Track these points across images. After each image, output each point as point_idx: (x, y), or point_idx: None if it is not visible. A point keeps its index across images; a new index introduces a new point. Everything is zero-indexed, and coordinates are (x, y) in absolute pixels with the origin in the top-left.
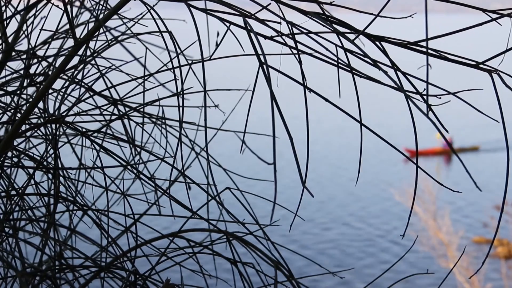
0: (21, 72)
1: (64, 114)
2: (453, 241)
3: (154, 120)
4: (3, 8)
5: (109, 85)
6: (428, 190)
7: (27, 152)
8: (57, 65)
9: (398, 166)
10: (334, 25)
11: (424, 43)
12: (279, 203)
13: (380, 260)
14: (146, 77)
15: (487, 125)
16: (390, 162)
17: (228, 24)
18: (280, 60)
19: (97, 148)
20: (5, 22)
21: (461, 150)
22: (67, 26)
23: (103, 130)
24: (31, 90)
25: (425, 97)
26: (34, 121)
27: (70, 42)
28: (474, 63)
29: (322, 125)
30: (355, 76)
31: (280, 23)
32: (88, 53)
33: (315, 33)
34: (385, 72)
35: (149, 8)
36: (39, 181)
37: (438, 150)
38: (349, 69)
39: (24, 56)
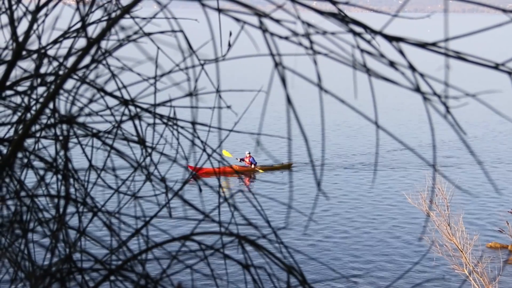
0: (32, 72)
1: (75, 114)
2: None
3: (165, 121)
4: (14, 7)
5: (121, 85)
6: (443, 194)
7: (37, 153)
8: (68, 65)
9: None
10: (350, 25)
11: (441, 44)
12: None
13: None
14: (158, 78)
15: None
16: None
17: (242, 24)
18: (295, 61)
19: (108, 149)
20: (16, 21)
21: (273, 168)
22: (78, 25)
23: (114, 131)
24: (41, 90)
25: (443, 99)
26: (44, 121)
27: (81, 42)
28: (494, 64)
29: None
30: (371, 77)
31: (295, 23)
32: (100, 53)
33: (331, 33)
34: (403, 74)
35: (162, 7)
36: (49, 183)
37: (235, 168)
38: (365, 70)
39: (35, 56)
